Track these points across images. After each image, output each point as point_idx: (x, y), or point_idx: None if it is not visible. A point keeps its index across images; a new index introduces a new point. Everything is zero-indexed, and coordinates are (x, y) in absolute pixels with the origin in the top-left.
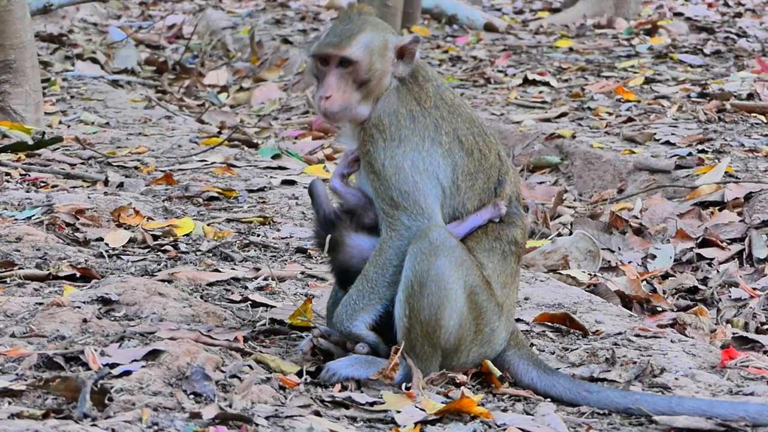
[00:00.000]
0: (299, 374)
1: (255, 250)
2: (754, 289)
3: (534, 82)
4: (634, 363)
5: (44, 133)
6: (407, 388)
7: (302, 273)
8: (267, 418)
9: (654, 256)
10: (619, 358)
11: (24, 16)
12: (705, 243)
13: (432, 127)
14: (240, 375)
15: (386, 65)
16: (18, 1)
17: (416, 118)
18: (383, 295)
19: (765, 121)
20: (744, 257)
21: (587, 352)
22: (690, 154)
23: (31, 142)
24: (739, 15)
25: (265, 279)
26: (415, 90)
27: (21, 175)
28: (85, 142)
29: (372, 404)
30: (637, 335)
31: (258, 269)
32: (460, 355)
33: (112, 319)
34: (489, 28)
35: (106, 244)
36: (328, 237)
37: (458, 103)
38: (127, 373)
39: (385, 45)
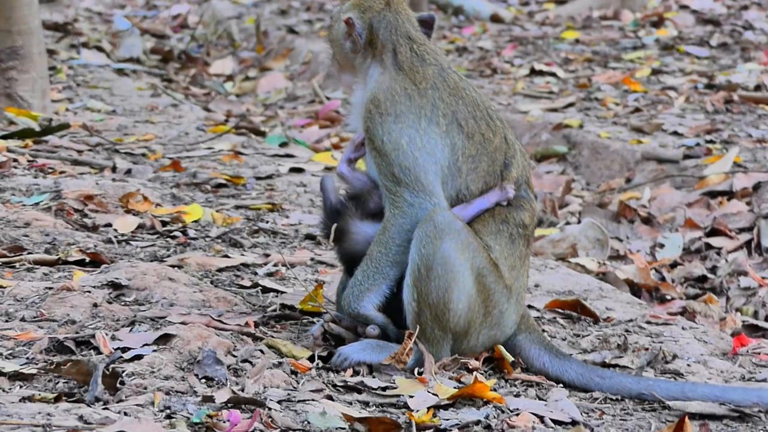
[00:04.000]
0: (311, 359)
1: (264, 237)
2: (763, 278)
3: (541, 73)
4: (646, 349)
5: (51, 119)
6: (419, 373)
7: (312, 259)
8: (279, 402)
9: (662, 245)
10: (630, 344)
11: (31, 2)
12: (713, 232)
13: (429, 107)
14: (252, 359)
15: (338, 37)
16: None
17: (412, 96)
18: (387, 275)
19: None
20: (752, 246)
21: (599, 339)
22: (698, 144)
23: (38, 129)
24: (745, 8)
25: (275, 265)
26: (412, 71)
27: (28, 161)
28: (92, 129)
29: (384, 389)
30: (648, 322)
31: (268, 255)
32: (470, 338)
33: (123, 303)
34: (495, 19)
35: (115, 230)
36: (333, 226)
37: (463, 86)
38: (139, 357)
39: (337, 17)
